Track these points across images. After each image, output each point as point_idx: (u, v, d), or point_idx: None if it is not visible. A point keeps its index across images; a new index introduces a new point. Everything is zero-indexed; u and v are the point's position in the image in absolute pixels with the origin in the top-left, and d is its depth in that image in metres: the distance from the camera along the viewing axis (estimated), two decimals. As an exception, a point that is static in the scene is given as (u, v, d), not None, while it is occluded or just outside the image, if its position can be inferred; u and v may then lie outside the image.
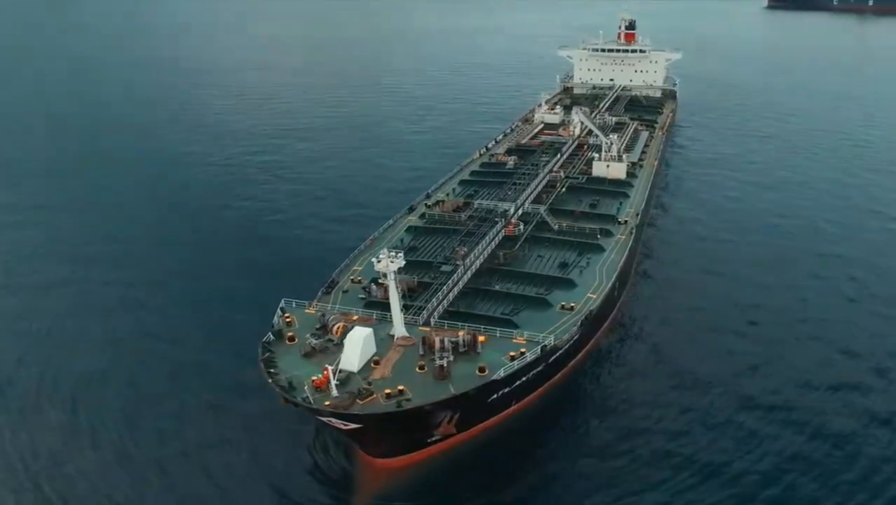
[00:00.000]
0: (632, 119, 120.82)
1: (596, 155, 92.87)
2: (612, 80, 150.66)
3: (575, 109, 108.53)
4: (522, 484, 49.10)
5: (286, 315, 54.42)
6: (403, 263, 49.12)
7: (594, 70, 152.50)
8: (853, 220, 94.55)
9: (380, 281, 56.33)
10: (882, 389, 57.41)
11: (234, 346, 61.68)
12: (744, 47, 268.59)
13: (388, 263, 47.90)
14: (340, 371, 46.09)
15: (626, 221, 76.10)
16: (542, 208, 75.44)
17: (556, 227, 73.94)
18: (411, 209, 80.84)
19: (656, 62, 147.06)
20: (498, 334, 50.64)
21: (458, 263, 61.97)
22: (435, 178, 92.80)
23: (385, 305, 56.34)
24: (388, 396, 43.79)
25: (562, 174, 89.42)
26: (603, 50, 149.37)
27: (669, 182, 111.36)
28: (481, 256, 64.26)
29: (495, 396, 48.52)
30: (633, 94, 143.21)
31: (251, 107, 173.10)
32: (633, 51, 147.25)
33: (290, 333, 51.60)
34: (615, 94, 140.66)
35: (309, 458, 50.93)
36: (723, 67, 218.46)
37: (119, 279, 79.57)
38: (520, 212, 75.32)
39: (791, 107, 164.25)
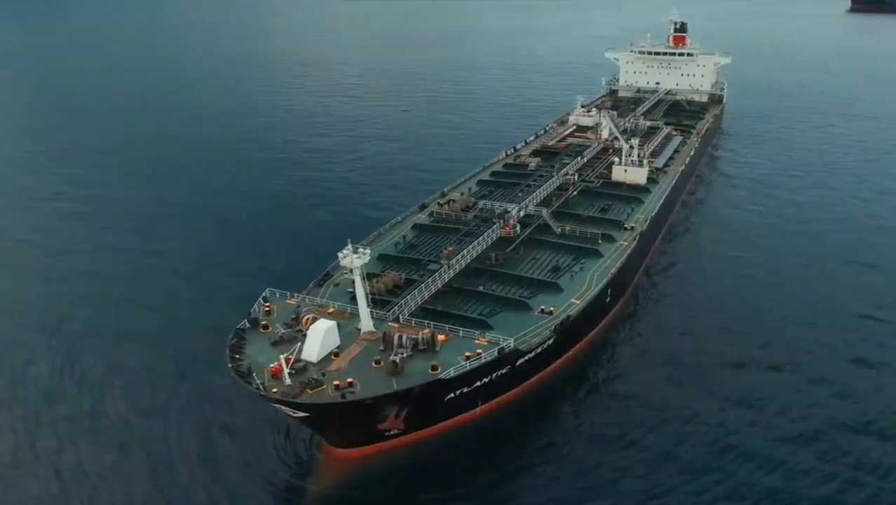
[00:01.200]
0: (668, 124, 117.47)
1: (616, 159, 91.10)
2: (658, 83, 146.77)
3: (602, 112, 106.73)
4: (482, 485, 48.66)
5: (266, 304, 56.05)
6: (368, 258, 49.77)
7: (640, 73, 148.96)
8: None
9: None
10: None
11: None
12: (818, 53, 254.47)
13: (353, 258, 48.68)
14: (298, 360, 47.37)
15: (632, 227, 74.33)
16: (545, 211, 74.57)
17: (558, 230, 72.97)
18: (423, 207, 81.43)
19: (704, 66, 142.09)
20: (461, 334, 50.56)
21: (442, 262, 62.23)
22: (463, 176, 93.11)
23: (371, 301, 57.55)
24: (337, 387, 44.56)
25: (575, 177, 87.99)
26: (649, 53, 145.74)
27: (697, 190, 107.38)
28: (468, 257, 64.07)
29: (452, 395, 48.55)
30: (676, 98, 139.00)
31: (325, 98, 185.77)
32: (681, 54, 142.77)
33: (264, 322, 53.14)
34: (657, 98, 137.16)
35: (274, 440, 52.06)
36: (790, 74, 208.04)
37: (157, 250, 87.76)
38: (521, 214, 74.64)
39: (856, 121, 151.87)
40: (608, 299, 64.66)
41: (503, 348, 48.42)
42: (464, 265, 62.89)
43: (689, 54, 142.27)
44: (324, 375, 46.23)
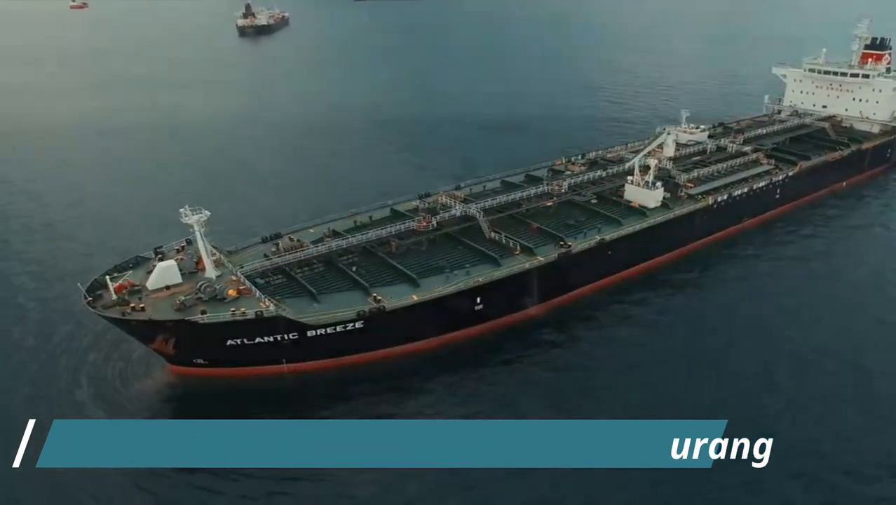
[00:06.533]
0: (783, 152, 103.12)
1: (630, 178, 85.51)
2: (824, 106, 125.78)
3: (670, 128, 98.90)
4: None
5: (182, 245, 69.66)
6: (205, 217, 59.62)
7: (807, 93, 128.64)
8: None
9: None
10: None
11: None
12: None
13: (191, 216, 58.91)
14: (136, 284, 60.28)
15: (566, 246, 71.45)
16: (481, 214, 74.88)
17: (490, 235, 73.53)
18: (425, 196, 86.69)
19: (880, 91, 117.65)
20: (257, 295, 58.29)
21: (325, 240, 69.63)
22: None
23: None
24: (132, 308, 56.28)
25: (565, 188, 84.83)
26: (820, 71, 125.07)
27: (746, 233, 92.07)
28: (354, 240, 69.05)
29: (233, 343, 56.91)
30: (825, 125, 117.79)
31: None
32: (855, 75, 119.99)
33: (161, 256, 66.79)
34: (800, 122, 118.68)
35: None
36: None
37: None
38: (457, 213, 76.25)
39: None
40: (479, 307, 65.18)
41: (261, 312, 55.18)
42: (344, 245, 68.68)
43: (864, 76, 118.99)
44: (140, 299, 58.28)
